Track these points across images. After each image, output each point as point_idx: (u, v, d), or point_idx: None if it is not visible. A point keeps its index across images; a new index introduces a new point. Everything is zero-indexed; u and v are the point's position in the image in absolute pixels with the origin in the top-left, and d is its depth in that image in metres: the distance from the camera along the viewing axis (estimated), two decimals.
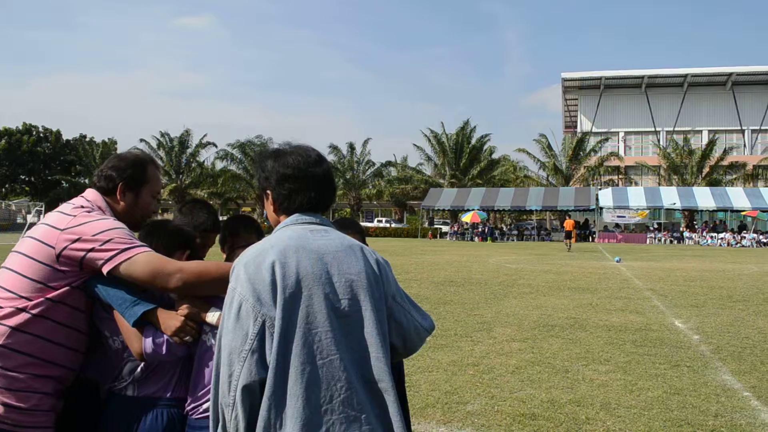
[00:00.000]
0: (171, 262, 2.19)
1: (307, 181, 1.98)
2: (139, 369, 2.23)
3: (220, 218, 2.78)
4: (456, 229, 50.21)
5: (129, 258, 2.15)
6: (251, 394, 1.72)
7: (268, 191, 2.02)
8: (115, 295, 2.17)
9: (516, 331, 8.80)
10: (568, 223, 37.39)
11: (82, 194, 2.44)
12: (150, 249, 2.22)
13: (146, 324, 2.16)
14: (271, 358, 1.73)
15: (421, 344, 2.09)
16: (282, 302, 1.76)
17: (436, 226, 57.15)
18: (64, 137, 72.23)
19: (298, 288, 1.79)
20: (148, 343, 2.14)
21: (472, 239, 48.00)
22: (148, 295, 2.21)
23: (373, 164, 65.42)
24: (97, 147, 70.53)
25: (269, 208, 2.04)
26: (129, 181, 2.45)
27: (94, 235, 2.19)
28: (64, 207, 2.34)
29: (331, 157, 64.10)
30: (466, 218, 46.90)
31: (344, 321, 1.82)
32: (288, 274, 1.79)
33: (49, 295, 2.18)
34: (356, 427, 1.76)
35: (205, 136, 65.83)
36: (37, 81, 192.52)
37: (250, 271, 1.80)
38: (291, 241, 1.87)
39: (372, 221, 64.12)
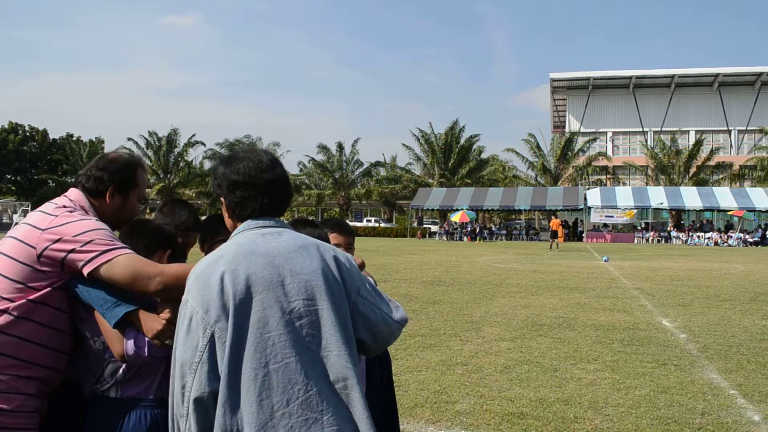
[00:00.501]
0: (151, 264, 2.15)
1: (258, 188, 1.95)
2: (121, 370, 2.20)
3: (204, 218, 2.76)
4: (447, 228, 50.30)
5: (109, 260, 2.12)
6: (204, 406, 1.71)
7: (222, 198, 2.00)
8: (96, 296, 2.14)
9: (505, 331, 8.81)
10: (554, 223, 37.52)
11: (65, 194, 2.40)
12: (131, 251, 2.19)
13: (127, 325, 2.13)
14: (222, 367, 1.72)
15: (394, 338, 2.05)
16: (233, 310, 1.74)
17: (424, 225, 57.25)
18: (51, 136, 71.78)
19: (248, 294, 1.77)
20: (129, 345, 2.11)
21: (461, 239, 48.09)
22: (130, 296, 2.18)
23: (362, 164, 65.48)
24: (84, 146, 70.19)
25: (225, 215, 2.03)
26: (119, 184, 2.41)
27: (75, 236, 2.15)
28: (46, 206, 2.30)
29: (320, 157, 64.16)
30: (455, 218, 47.00)
31: (300, 322, 1.79)
32: (237, 281, 1.77)
33: (30, 296, 2.14)
34: (317, 428, 1.73)
35: (193, 135, 65.71)
36: (25, 80, 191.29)
37: (200, 283, 1.79)
38: (240, 247, 1.85)
39: (361, 221, 64.11)
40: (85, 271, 2.13)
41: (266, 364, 1.73)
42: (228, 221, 2.03)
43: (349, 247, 2.93)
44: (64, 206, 2.29)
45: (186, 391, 1.72)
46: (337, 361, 1.80)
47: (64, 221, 2.20)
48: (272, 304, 1.78)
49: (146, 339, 2.12)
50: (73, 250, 2.14)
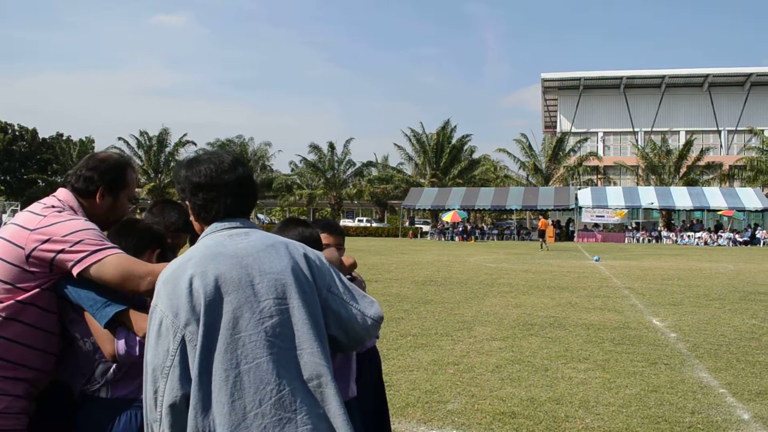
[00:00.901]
0: (141, 264, 2.15)
1: (220, 190, 1.93)
2: (111, 370, 2.19)
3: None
4: (440, 228, 50.27)
5: (99, 260, 2.11)
6: (177, 410, 1.70)
7: (187, 202, 1.98)
8: (85, 297, 2.13)
9: (496, 330, 8.82)
10: (542, 223, 37.70)
11: (54, 194, 2.38)
12: (121, 251, 2.18)
13: (118, 325, 2.13)
14: (193, 369, 1.71)
15: (369, 334, 2.03)
16: (203, 312, 1.73)
17: (416, 225, 57.29)
18: (41, 136, 71.35)
19: (217, 296, 1.76)
20: (120, 345, 2.11)
21: (452, 239, 48.14)
22: (119, 296, 2.17)
23: (354, 164, 65.48)
24: (74, 146, 69.79)
25: (192, 218, 2.02)
26: (109, 184, 2.40)
27: (64, 236, 2.14)
28: (35, 206, 2.29)
29: (311, 157, 64.09)
30: (447, 218, 47.06)
31: (272, 321, 1.78)
32: (206, 284, 1.76)
33: (18, 297, 2.13)
34: (291, 428, 1.72)
35: (184, 135, 65.54)
36: (15, 80, 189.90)
37: (168, 287, 1.78)
38: (208, 249, 1.84)
39: (353, 221, 64.09)
40: (75, 271, 2.12)
41: (237, 364, 1.72)
42: (195, 224, 2.01)
43: (339, 248, 2.93)
44: (53, 206, 2.28)
45: (158, 396, 1.72)
46: (310, 359, 1.79)
47: (52, 221, 2.18)
48: (242, 305, 1.77)
49: (137, 338, 2.12)
50: (62, 251, 2.12)
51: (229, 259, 1.81)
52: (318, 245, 2.52)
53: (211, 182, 1.92)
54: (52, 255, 2.13)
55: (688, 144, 57.10)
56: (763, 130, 61.29)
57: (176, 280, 1.78)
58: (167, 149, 64.81)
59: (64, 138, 71.84)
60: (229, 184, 1.93)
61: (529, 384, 6.07)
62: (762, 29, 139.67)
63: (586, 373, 6.49)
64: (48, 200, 2.33)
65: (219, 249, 1.83)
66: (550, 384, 6.08)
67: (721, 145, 70.36)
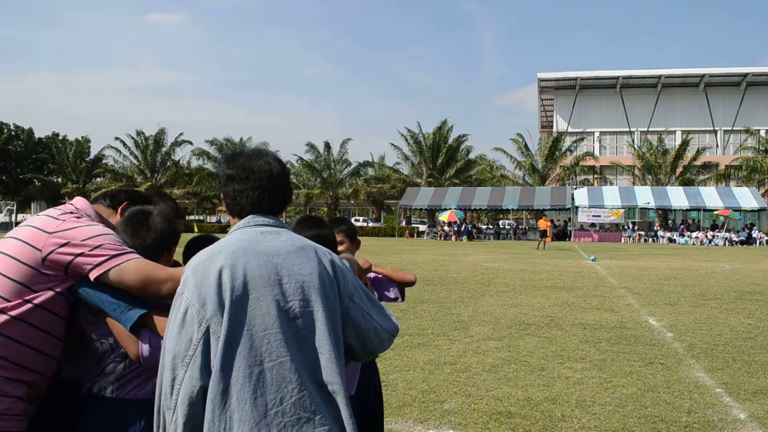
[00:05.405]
0: (161, 269, 2.16)
1: (252, 182, 1.96)
2: (120, 366, 2.20)
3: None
4: (440, 229, 50.17)
5: (118, 265, 2.13)
6: (193, 400, 1.71)
7: (221, 193, 2.02)
8: (107, 300, 2.14)
9: (492, 330, 8.83)
10: (542, 223, 37.77)
11: (71, 201, 2.42)
12: (139, 256, 2.20)
13: (141, 327, 2.13)
14: (215, 361, 1.71)
15: (383, 346, 2.06)
16: (229, 306, 1.74)
17: (412, 225, 57.29)
18: (37, 135, 71.13)
19: (245, 291, 1.77)
20: (145, 348, 2.12)
21: (446, 238, 48.13)
22: (138, 299, 2.17)
23: (350, 163, 65.47)
24: (70, 145, 69.58)
25: (226, 211, 2.05)
26: (135, 202, 2.51)
27: (83, 240, 2.16)
28: (52, 211, 2.31)
29: (308, 156, 64.09)
30: (443, 217, 47.07)
31: (295, 323, 1.80)
32: (235, 277, 1.77)
33: (29, 298, 2.13)
34: (309, 428, 1.74)
35: (180, 134, 65.54)
36: (11, 78, 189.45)
37: (197, 276, 1.79)
38: (240, 243, 1.85)
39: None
40: (93, 275, 2.13)
41: (261, 362, 1.73)
42: (231, 220, 2.04)
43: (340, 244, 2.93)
44: (71, 212, 2.31)
45: (176, 384, 1.72)
46: (327, 364, 1.81)
47: (71, 225, 2.21)
48: (269, 302, 1.78)
49: (161, 340, 2.12)
50: (81, 254, 2.14)
51: (260, 255, 1.83)
52: (333, 247, 2.52)
53: (243, 174, 1.96)
54: (69, 258, 2.14)
55: (684, 144, 57.21)
56: (759, 130, 61.48)
57: (206, 270, 1.79)
58: (164, 149, 64.75)
59: (60, 138, 71.58)
60: (260, 178, 1.96)
61: (526, 384, 6.07)
62: (758, 29, 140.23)
63: (583, 373, 6.49)
64: (65, 207, 2.36)
65: (251, 245, 1.85)
66: (547, 384, 6.08)
67: (717, 145, 70.47)
